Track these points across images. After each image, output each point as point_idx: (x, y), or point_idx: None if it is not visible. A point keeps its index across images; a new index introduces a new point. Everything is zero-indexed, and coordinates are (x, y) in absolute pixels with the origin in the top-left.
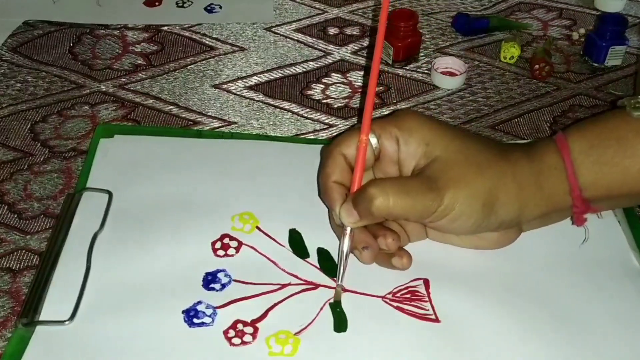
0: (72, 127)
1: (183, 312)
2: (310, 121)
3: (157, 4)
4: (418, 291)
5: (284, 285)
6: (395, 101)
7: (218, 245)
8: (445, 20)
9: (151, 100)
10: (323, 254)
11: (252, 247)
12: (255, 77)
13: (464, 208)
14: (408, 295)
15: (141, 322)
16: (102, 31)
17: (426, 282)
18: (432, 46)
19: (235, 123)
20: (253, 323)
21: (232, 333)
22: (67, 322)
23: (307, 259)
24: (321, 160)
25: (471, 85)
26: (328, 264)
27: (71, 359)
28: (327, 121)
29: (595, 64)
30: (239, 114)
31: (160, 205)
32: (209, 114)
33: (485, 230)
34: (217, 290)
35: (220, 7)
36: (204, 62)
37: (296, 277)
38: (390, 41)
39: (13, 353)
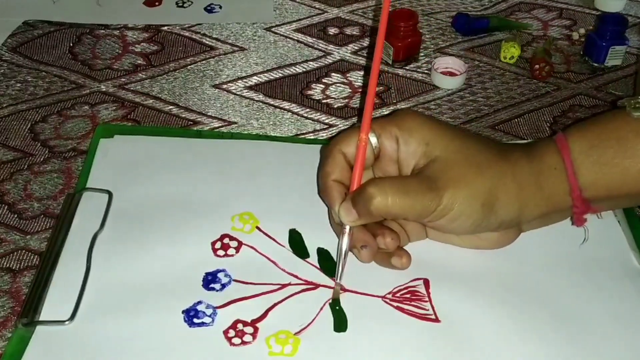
0: (72, 127)
1: (183, 312)
2: (310, 121)
3: (157, 4)
4: (418, 291)
5: (284, 285)
6: (395, 101)
7: (218, 245)
8: (445, 20)
9: (151, 100)
10: (323, 254)
11: (252, 247)
12: (255, 77)
13: (463, 208)
14: (408, 295)
15: (141, 322)
16: (102, 31)
17: (426, 282)
18: (432, 46)
19: (235, 123)
20: (253, 323)
21: (232, 333)
22: (67, 322)
23: (307, 259)
24: (321, 158)
25: (471, 85)
26: (328, 264)
27: (71, 359)
28: (327, 121)
29: (595, 64)
30: (239, 114)
31: (160, 205)
32: (209, 114)
33: (485, 230)
34: (217, 290)
35: (220, 7)
36: (204, 62)
37: (296, 277)
38: (390, 41)
39: (13, 353)
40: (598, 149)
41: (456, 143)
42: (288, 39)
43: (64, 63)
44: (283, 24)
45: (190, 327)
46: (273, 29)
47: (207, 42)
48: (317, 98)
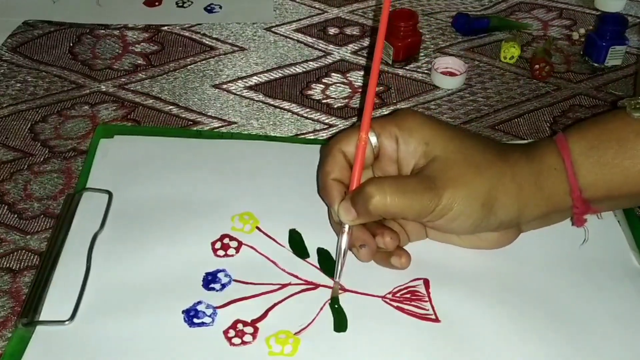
0: (72, 127)
1: (183, 312)
2: (310, 121)
3: (157, 3)
4: (418, 291)
5: (284, 285)
6: (395, 101)
7: (218, 245)
8: (445, 20)
9: (151, 100)
10: (323, 254)
11: (252, 247)
12: (255, 77)
13: (462, 208)
14: (408, 295)
15: (141, 322)
16: (102, 31)
17: (426, 282)
18: (432, 46)
19: (235, 123)
20: (253, 323)
21: (232, 333)
22: (67, 322)
23: (307, 259)
24: (321, 157)
25: (471, 85)
26: (328, 264)
27: (71, 359)
28: (327, 121)
29: (595, 64)
30: (239, 114)
31: (160, 205)
32: (208, 114)
33: (485, 230)
34: (217, 290)
35: (220, 7)
36: (204, 62)
37: (296, 277)
38: (390, 41)
39: (13, 353)
40: (598, 150)
41: (456, 143)
42: (288, 39)
43: (64, 63)
44: (283, 24)
45: (190, 327)
46: (273, 29)
47: (207, 42)
48: (317, 98)
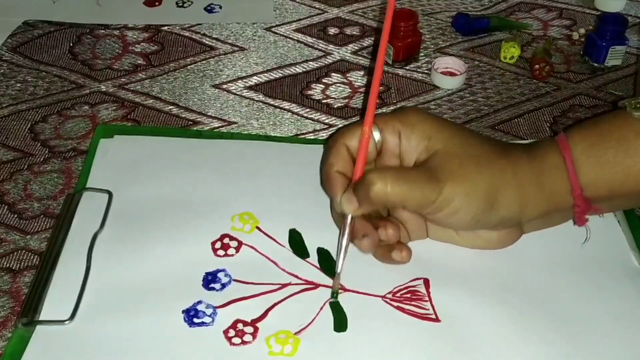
0: (72, 127)
1: (183, 312)
2: (310, 121)
3: (157, 3)
4: (418, 291)
5: (284, 285)
6: (395, 101)
7: (218, 245)
8: (445, 20)
9: (151, 100)
10: (323, 254)
11: (252, 247)
12: (255, 77)
13: (463, 201)
14: (408, 295)
15: (141, 322)
16: (102, 31)
17: (426, 282)
18: (432, 46)
19: (235, 123)
20: (253, 323)
21: (232, 333)
22: (67, 322)
23: (307, 259)
24: (325, 150)
25: (471, 85)
26: (328, 264)
27: (71, 359)
28: (327, 121)
29: (595, 64)
30: (239, 114)
31: (160, 205)
32: (209, 114)
33: (486, 227)
34: (217, 290)
35: (220, 7)
36: (204, 62)
37: (296, 277)
38: (391, 41)
39: (13, 353)
40: (599, 149)
41: (458, 139)
42: (288, 39)
43: (64, 63)
44: (283, 24)
45: (190, 327)
46: (273, 29)
47: (207, 42)
48: (317, 98)
